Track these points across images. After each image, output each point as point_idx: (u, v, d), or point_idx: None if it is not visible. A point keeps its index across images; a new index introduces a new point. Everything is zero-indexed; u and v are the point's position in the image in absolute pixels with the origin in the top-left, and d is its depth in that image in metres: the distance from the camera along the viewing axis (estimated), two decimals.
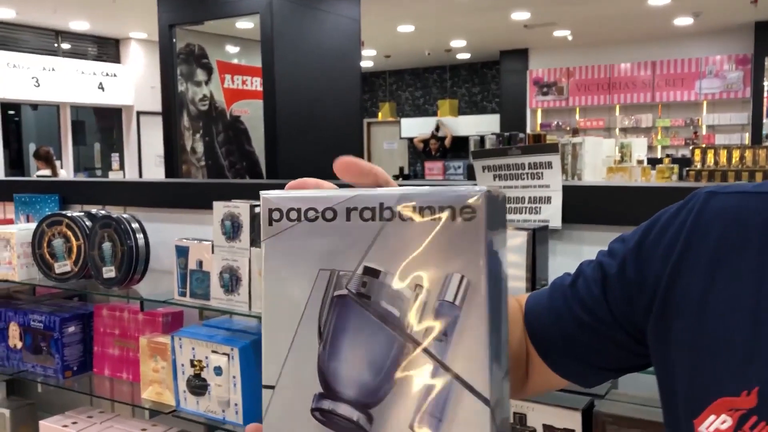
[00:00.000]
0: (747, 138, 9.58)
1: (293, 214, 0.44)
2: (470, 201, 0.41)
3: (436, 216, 0.41)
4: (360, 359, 0.42)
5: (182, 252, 1.76)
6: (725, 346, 0.57)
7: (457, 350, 0.41)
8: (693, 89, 10.22)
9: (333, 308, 0.43)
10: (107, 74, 8.57)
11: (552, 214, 1.49)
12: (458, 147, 12.07)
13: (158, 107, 5.58)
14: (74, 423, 1.96)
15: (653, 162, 5.97)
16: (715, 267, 0.59)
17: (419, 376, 0.41)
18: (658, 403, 1.30)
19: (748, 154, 5.79)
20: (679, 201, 0.67)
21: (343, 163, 0.46)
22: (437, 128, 12.52)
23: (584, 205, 1.49)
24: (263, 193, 0.44)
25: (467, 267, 0.41)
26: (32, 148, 8.04)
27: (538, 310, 0.70)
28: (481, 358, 0.41)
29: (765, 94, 9.56)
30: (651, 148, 9.34)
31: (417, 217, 0.42)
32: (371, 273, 0.42)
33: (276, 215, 0.44)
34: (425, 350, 0.41)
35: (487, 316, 0.41)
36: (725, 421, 0.55)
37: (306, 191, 0.45)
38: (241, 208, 1.62)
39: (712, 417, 0.56)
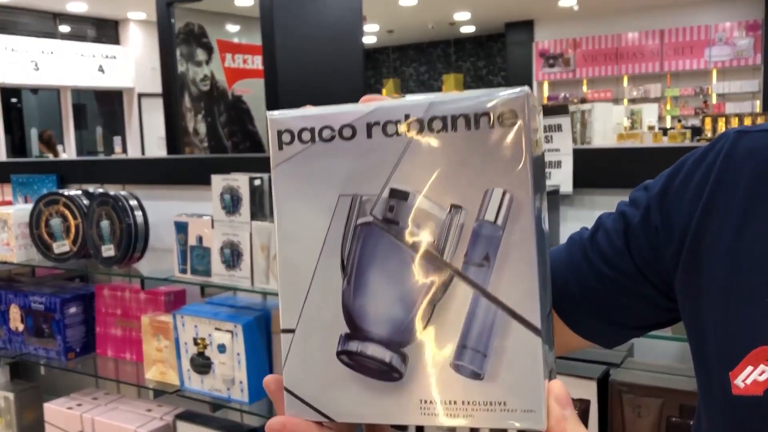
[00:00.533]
0: (758, 106, 9.43)
1: (306, 135, 0.38)
2: (509, 104, 0.35)
3: (471, 125, 0.36)
4: (390, 293, 0.37)
5: (181, 228, 1.71)
6: (762, 291, 0.52)
7: (501, 276, 0.36)
8: (702, 57, 10.06)
9: (357, 238, 0.38)
10: (107, 56, 8.50)
11: (563, 178, 1.43)
12: None
13: (159, 89, 5.52)
14: (79, 405, 1.93)
15: (664, 130, 5.88)
16: (748, 208, 0.54)
17: (458, 307, 0.37)
18: (675, 371, 1.26)
19: (760, 121, 5.70)
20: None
21: (366, 102, 0.40)
22: None
23: (596, 169, 1.43)
24: (270, 114, 0.39)
25: (509, 180, 0.35)
26: (34, 133, 8.00)
27: (555, 265, 0.64)
28: (528, 283, 0.36)
29: None
30: (660, 118, 9.23)
31: (449, 128, 0.36)
32: (399, 195, 0.37)
33: (286, 137, 0.38)
34: (464, 278, 0.36)
35: (535, 235, 0.36)
36: (764, 371, 0.50)
37: (319, 108, 0.39)
38: (240, 180, 1.57)
39: (749, 368, 0.51)
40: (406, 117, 0.36)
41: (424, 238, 0.37)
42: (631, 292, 0.62)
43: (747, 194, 0.54)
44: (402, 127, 0.37)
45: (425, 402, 0.37)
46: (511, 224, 0.36)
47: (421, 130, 0.36)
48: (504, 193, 0.36)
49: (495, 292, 0.36)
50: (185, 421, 1.76)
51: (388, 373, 0.38)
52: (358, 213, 0.38)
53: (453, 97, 0.36)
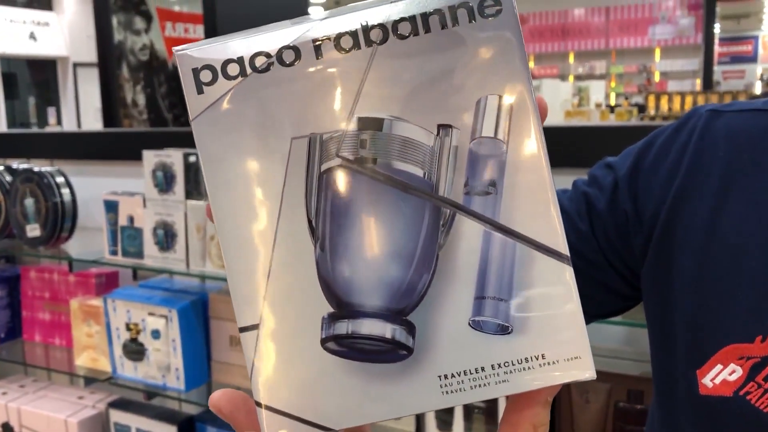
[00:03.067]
0: (698, 84, 9.66)
1: (233, 68, 0.29)
2: None
3: (447, 21, 0.29)
4: (379, 249, 0.30)
5: (111, 207, 1.61)
6: (736, 285, 0.47)
7: (512, 201, 0.29)
8: (646, 35, 10.21)
9: (324, 189, 0.30)
10: (39, 23, 8.06)
11: None
12: None
13: (95, 58, 5.28)
14: (4, 393, 1.82)
15: (611, 108, 5.95)
16: (725, 194, 0.50)
17: (467, 250, 0.29)
18: (623, 355, 1.24)
19: (700, 99, 5.82)
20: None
21: None
22: None
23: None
24: (177, 49, 0.30)
25: (504, 81, 0.29)
26: None
27: None
28: (545, 204, 0.29)
29: (716, 40, 9.63)
30: (605, 95, 9.36)
31: (420, 30, 0.29)
32: (370, 125, 0.29)
33: (206, 76, 0.29)
34: (468, 212, 0.29)
35: (543, 143, 0.29)
36: (734, 371, 0.46)
37: (242, 32, 0.30)
38: (173, 157, 1.48)
39: (719, 367, 0.47)
40: (364, 25, 0.29)
41: (411, 172, 0.29)
42: (593, 280, 0.57)
43: (722, 180, 0.50)
44: (360, 38, 0.29)
45: (445, 377, 0.29)
46: (515, 136, 0.29)
47: (385, 39, 0.29)
48: (500, 99, 0.29)
49: (509, 222, 0.29)
50: (118, 409, 1.68)
51: (392, 352, 0.29)
52: (321, 157, 0.30)
53: None
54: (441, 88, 0.29)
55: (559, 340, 0.29)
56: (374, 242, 0.30)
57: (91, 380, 1.69)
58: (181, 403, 1.66)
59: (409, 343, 0.29)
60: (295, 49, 0.29)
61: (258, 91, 0.29)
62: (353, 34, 0.29)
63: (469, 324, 0.29)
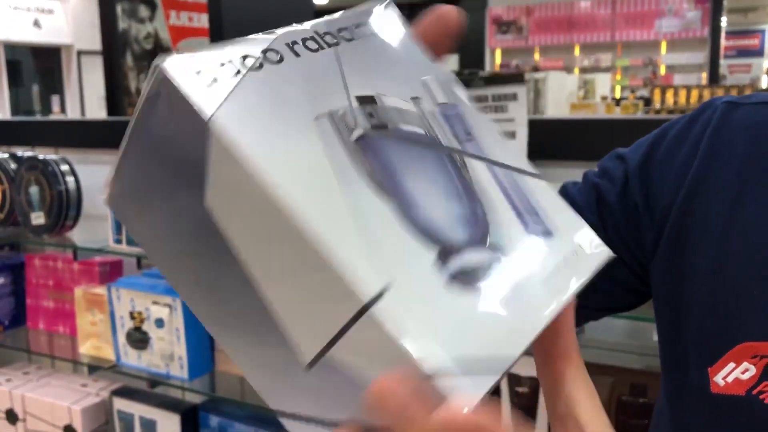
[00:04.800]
0: (704, 78, 9.61)
1: (230, 69, 0.31)
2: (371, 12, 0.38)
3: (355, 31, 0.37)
4: (434, 192, 0.32)
5: None
6: (752, 282, 0.47)
7: (487, 143, 0.36)
8: (652, 28, 10.16)
9: (364, 153, 0.31)
10: (43, 10, 8.04)
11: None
12: None
13: (100, 46, 5.27)
14: (8, 380, 1.83)
15: (616, 101, 5.93)
16: (741, 189, 0.49)
17: (487, 182, 0.35)
18: (627, 348, 1.24)
19: (706, 93, 5.79)
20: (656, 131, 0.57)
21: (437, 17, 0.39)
22: None
23: (551, 140, 1.39)
24: (164, 63, 0.29)
25: (425, 67, 0.38)
26: None
27: None
28: (505, 140, 0.37)
29: (723, 34, 9.58)
30: (611, 88, 9.32)
31: (355, 37, 0.36)
32: (367, 101, 0.34)
33: (206, 79, 0.30)
34: (471, 155, 0.35)
35: (470, 98, 0.38)
36: (747, 369, 0.45)
37: (211, 44, 0.32)
38: None
39: (731, 365, 0.46)
40: (318, 32, 0.35)
41: (418, 131, 0.34)
42: (603, 273, 0.57)
43: (740, 175, 0.49)
44: (321, 42, 0.35)
45: (548, 278, 0.33)
46: (457, 99, 0.37)
47: (337, 42, 0.35)
48: (435, 78, 0.37)
49: (496, 158, 0.36)
50: (122, 397, 1.68)
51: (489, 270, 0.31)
52: (345, 129, 0.32)
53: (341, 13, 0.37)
54: (394, 74, 0.36)
55: (578, 233, 0.36)
56: (426, 187, 0.32)
57: (95, 368, 1.70)
58: (185, 391, 1.66)
59: (503, 259, 0.33)
60: (275, 51, 0.32)
61: (261, 84, 0.31)
62: (314, 39, 0.34)
63: (521, 232, 0.34)
